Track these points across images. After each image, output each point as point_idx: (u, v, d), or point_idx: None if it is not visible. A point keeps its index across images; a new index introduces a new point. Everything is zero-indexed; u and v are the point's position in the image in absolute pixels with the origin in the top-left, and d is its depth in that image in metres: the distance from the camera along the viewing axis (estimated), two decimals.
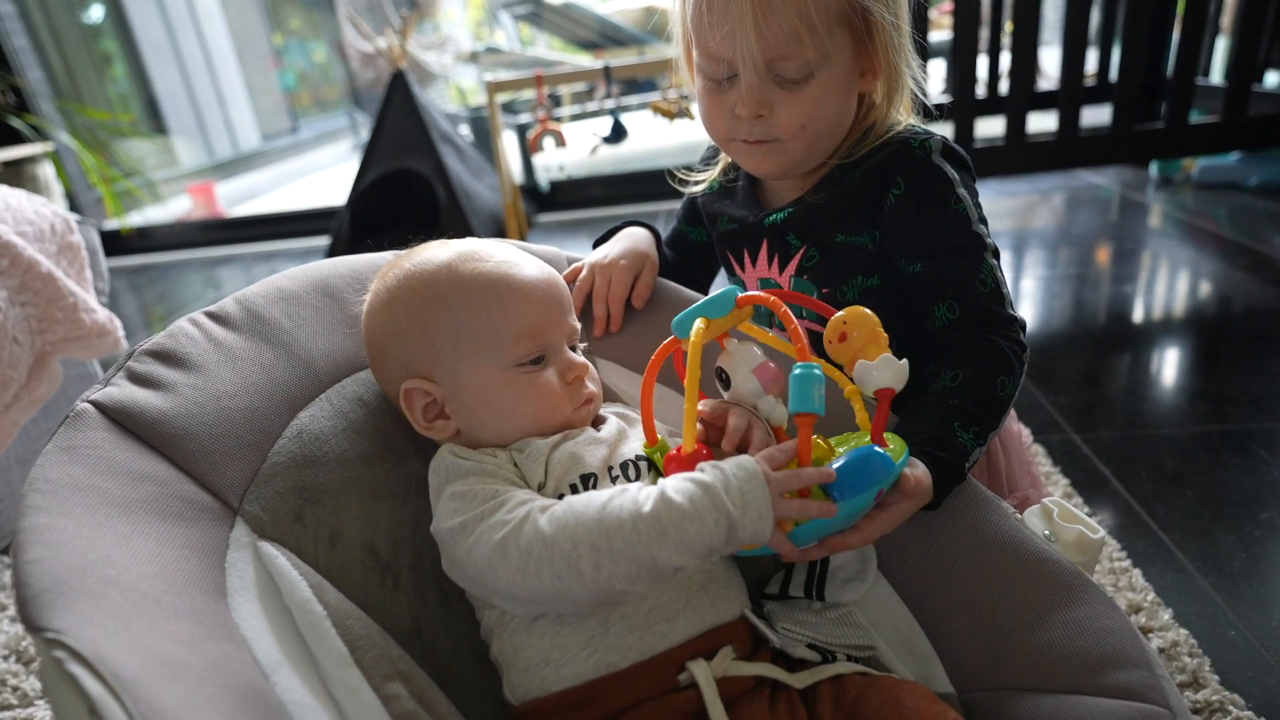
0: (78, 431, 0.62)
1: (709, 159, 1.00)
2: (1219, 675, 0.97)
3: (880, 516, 0.65)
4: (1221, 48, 3.24)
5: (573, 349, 0.76)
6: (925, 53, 0.97)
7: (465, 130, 4.76)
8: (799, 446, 0.60)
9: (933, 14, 3.09)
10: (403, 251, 0.79)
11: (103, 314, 1.43)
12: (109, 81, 5.91)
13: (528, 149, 3.38)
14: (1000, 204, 3.22)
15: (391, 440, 0.77)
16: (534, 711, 0.65)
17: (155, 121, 6.12)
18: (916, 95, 0.83)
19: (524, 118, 4.10)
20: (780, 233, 0.87)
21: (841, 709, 0.63)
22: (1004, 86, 2.96)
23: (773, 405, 0.68)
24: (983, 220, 0.80)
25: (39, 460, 0.59)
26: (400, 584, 0.72)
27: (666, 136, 3.13)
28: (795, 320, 0.61)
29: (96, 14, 5.87)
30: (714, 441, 0.69)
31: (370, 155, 3.20)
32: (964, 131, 2.57)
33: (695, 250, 1.03)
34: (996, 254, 0.79)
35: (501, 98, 4.12)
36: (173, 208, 4.85)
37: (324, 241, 3.49)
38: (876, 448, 0.63)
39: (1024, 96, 2.53)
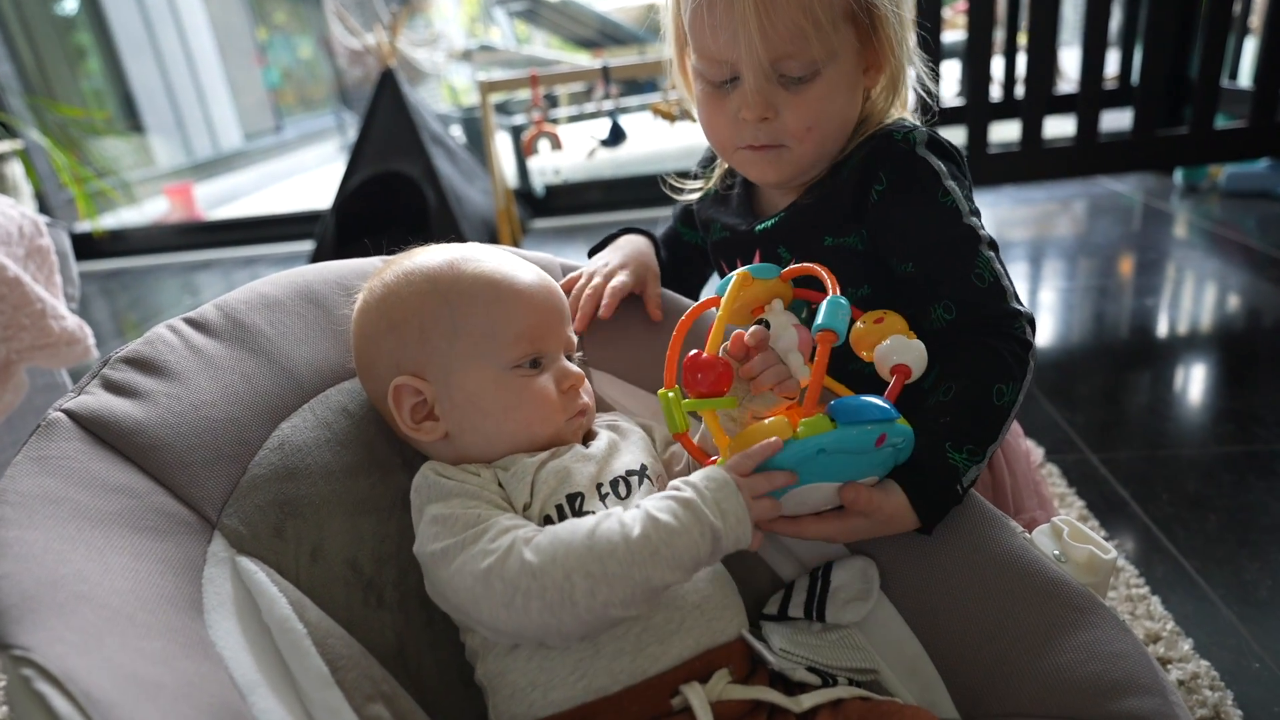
0: (50, 441, 0.63)
1: (706, 163, 1.01)
2: (1242, 710, 0.97)
3: (830, 519, 0.69)
4: (1250, 49, 3.27)
5: (568, 360, 0.77)
6: (937, 51, 1.01)
7: (457, 131, 4.79)
8: (817, 362, 0.65)
9: (946, 13, 3.11)
10: (398, 254, 0.80)
11: (72, 321, 1.45)
12: (83, 76, 5.96)
13: (522, 152, 3.41)
14: (1016, 212, 3.25)
15: (376, 453, 0.78)
16: None
17: (131, 119, 6.16)
18: (919, 93, 0.86)
19: (519, 119, 4.13)
20: (772, 242, 0.89)
21: None
22: (1020, 89, 2.98)
23: (799, 364, 0.71)
24: (975, 213, 0.80)
25: (8, 471, 0.60)
26: (384, 602, 0.73)
27: (667, 139, 3.15)
28: (829, 273, 0.71)
29: (70, 5, 5.91)
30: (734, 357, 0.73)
31: (357, 157, 3.22)
32: (978, 136, 2.59)
33: (689, 253, 1.05)
34: (994, 245, 0.79)
35: (495, 98, 4.16)
36: (149, 210, 4.87)
37: (308, 246, 3.50)
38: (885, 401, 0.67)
39: (1041, 99, 2.56)
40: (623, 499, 0.71)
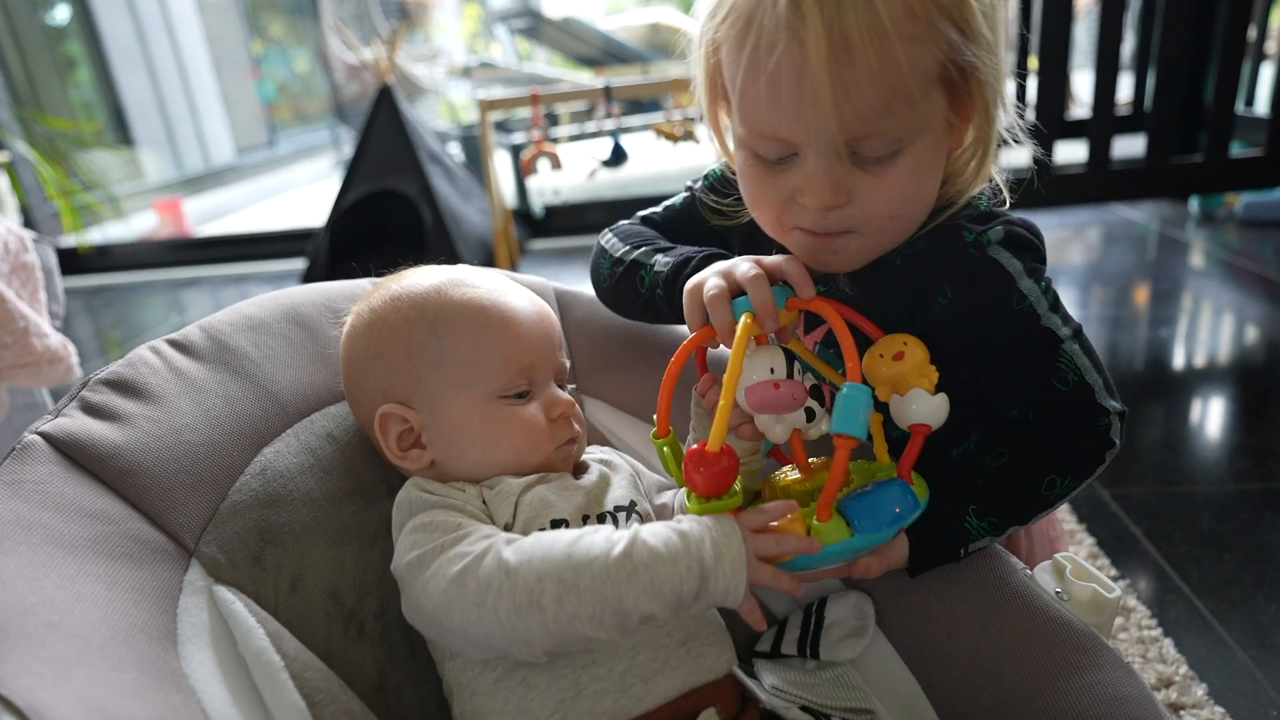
0: (24, 465, 0.63)
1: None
2: None
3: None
4: (1267, 75, 3.31)
5: (560, 387, 0.78)
6: (1023, 87, 0.79)
7: (455, 150, 4.83)
8: (835, 468, 0.61)
9: None
10: (387, 276, 0.81)
11: (56, 339, 1.46)
12: (72, 87, 6.01)
13: (521, 171, 3.44)
14: None
15: (361, 479, 0.79)
16: None
17: (121, 131, 6.21)
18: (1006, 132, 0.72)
19: (518, 137, 4.16)
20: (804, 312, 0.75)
21: None
22: (1031, 114, 3.01)
23: (769, 424, 0.66)
24: (1054, 305, 0.70)
25: None
26: (365, 633, 0.73)
27: (670, 161, 3.18)
28: (850, 337, 0.62)
29: (62, 15, 5.98)
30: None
31: (353, 174, 3.25)
32: None
33: (709, 239, 0.87)
34: (1078, 333, 0.70)
35: (495, 116, 4.20)
36: (136, 225, 4.90)
37: (300, 265, 3.52)
38: (902, 483, 0.65)
39: (1052, 125, 2.58)
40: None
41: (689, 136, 3.00)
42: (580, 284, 0.99)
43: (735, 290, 0.67)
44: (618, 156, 3.13)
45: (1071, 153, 2.79)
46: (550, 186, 3.61)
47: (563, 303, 0.99)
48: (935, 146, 0.66)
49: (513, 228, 3.40)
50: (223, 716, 0.57)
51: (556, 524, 0.70)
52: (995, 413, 0.73)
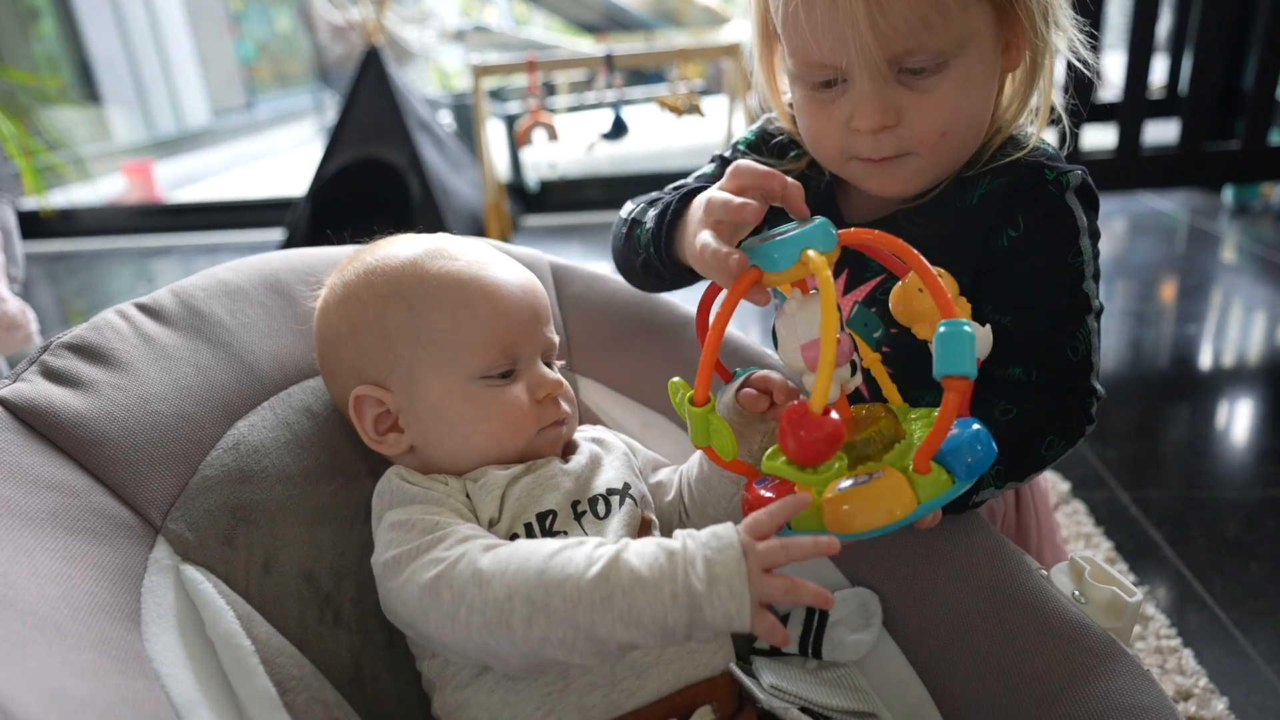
0: None
1: (781, 147, 0.87)
2: None
3: None
4: None
5: (548, 365, 0.77)
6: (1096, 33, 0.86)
7: (446, 118, 4.81)
8: (943, 412, 0.57)
9: None
10: (365, 245, 0.80)
11: (14, 304, 1.45)
12: (35, 40, 5.97)
13: (516, 142, 3.42)
14: None
15: (341, 457, 0.78)
16: None
17: (88, 88, 6.17)
18: (1079, 68, 0.77)
19: (513, 107, 4.15)
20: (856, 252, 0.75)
21: None
22: (1059, 97, 3.00)
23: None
24: (1096, 274, 0.75)
25: None
26: (341, 619, 0.73)
27: (673, 135, 3.17)
28: (931, 270, 0.59)
29: None
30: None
31: (336, 140, 3.24)
32: None
33: None
34: (1100, 313, 0.76)
35: (488, 83, 4.18)
36: (104, 188, 4.88)
37: (278, 235, 3.51)
38: (978, 421, 0.61)
39: (1081, 108, 2.57)
40: (601, 519, 0.71)
41: (694, 110, 2.99)
42: (577, 260, 0.98)
43: (729, 233, 0.66)
44: (618, 129, 3.12)
45: (1099, 138, 2.78)
46: (546, 159, 3.59)
47: (559, 277, 0.99)
48: (984, 63, 0.71)
49: (505, 202, 3.39)
50: (187, 702, 0.57)
51: (544, 517, 0.69)
52: (1000, 369, 0.77)
